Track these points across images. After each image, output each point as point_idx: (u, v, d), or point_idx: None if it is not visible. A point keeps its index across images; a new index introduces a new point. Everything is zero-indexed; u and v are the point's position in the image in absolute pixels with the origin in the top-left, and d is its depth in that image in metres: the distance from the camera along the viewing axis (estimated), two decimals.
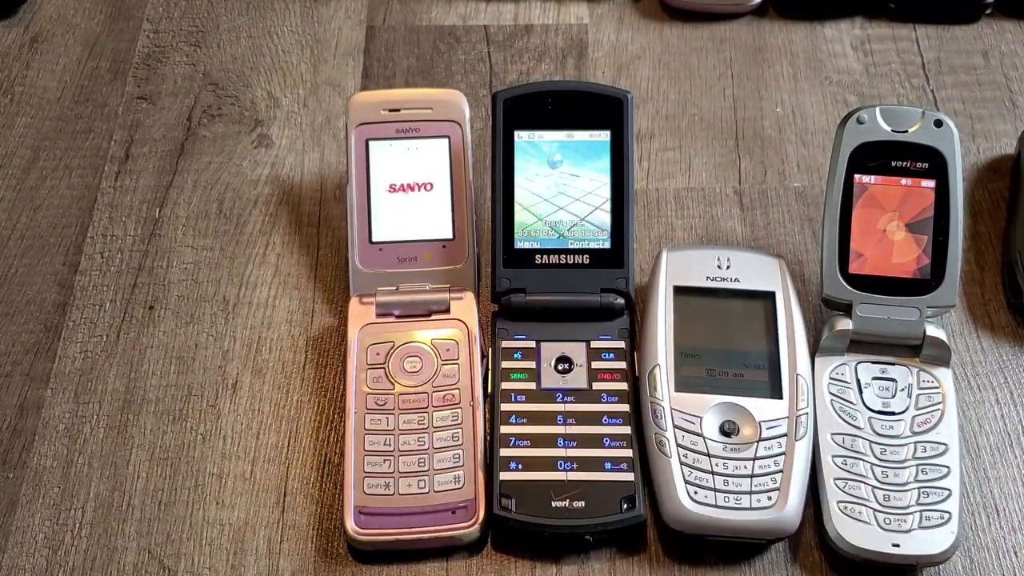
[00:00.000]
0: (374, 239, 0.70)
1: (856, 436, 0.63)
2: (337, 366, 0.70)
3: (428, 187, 0.71)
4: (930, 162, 0.66)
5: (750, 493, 0.61)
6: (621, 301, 0.68)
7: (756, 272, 0.68)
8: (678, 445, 0.62)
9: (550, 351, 0.67)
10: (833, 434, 0.63)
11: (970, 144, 0.80)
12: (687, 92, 0.83)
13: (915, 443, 0.63)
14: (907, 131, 0.67)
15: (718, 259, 0.68)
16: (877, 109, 0.67)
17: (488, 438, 0.65)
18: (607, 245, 0.69)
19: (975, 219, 0.76)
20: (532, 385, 0.66)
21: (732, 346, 0.65)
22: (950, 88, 0.83)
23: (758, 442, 0.62)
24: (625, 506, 0.61)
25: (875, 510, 0.61)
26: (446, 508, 0.62)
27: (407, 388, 0.66)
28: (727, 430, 0.62)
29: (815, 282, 0.73)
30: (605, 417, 0.64)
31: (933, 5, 0.86)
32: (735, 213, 0.77)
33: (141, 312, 0.72)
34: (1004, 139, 0.80)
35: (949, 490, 0.61)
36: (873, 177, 0.67)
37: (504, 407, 0.65)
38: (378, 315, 0.69)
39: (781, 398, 0.63)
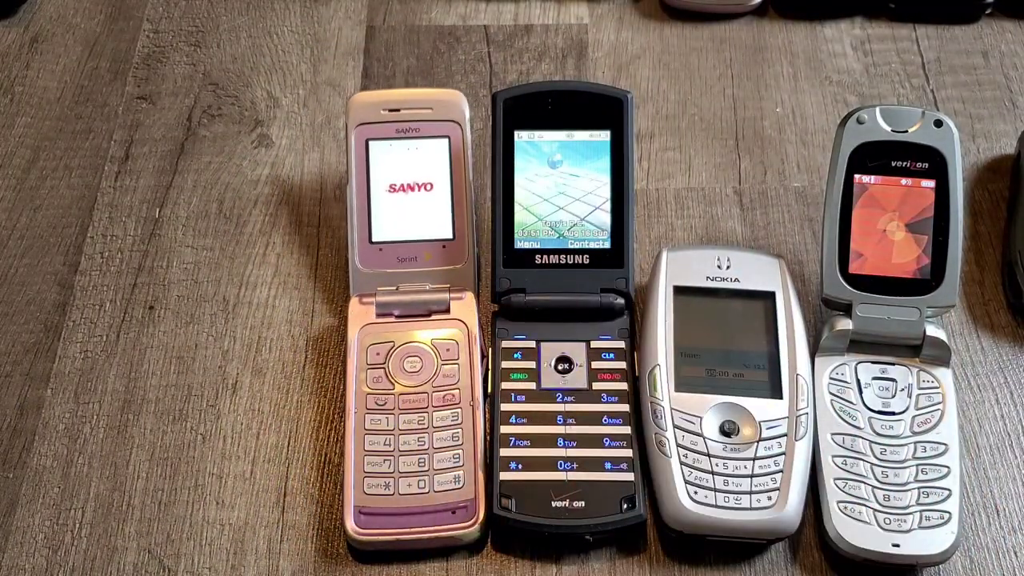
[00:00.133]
0: (374, 239, 0.70)
1: (856, 436, 0.63)
2: (337, 366, 0.70)
3: (428, 187, 0.71)
4: (930, 162, 0.66)
5: (750, 493, 0.61)
6: (621, 301, 0.68)
7: (756, 272, 0.68)
8: (678, 445, 0.62)
9: (550, 351, 0.67)
10: (833, 434, 0.63)
11: (970, 144, 0.80)
12: (687, 92, 0.83)
13: (915, 443, 0.63)
14: (907, 131, 0.67)
15: (718, 259, 0.68)
16: (877, 109, 0.67)
17: (488, 438, 0.65)
18: (607, 245, 0.69)
19: (975, 219, 0.76)
20: (532, 385, 0.66)
21: (732, 346, 0.65)
22: (950, 88, 0.83)
23: (758, 442, 0.62)
24: (625, 506, 0.61)
25: (875, 510, 0.61)
26: (446, 508, 0.62)
27: (407, 388, 0.66)
28: (727, 430, 0.62)
29: (815, 282, 0.73)
30: (605, 417, 0.64)
31: (933, 5, 0.86)
32: (735, 213, 0.77)
33: (141, 312, 0.72)
34: (1004, 139, 0.80)
35: (949, 490, 0.61)
36: (873, 177, 0.67)
37: (504, 407, 0.65)
38: (378, 315, 0.69)
39: (781, 398, 0.63)
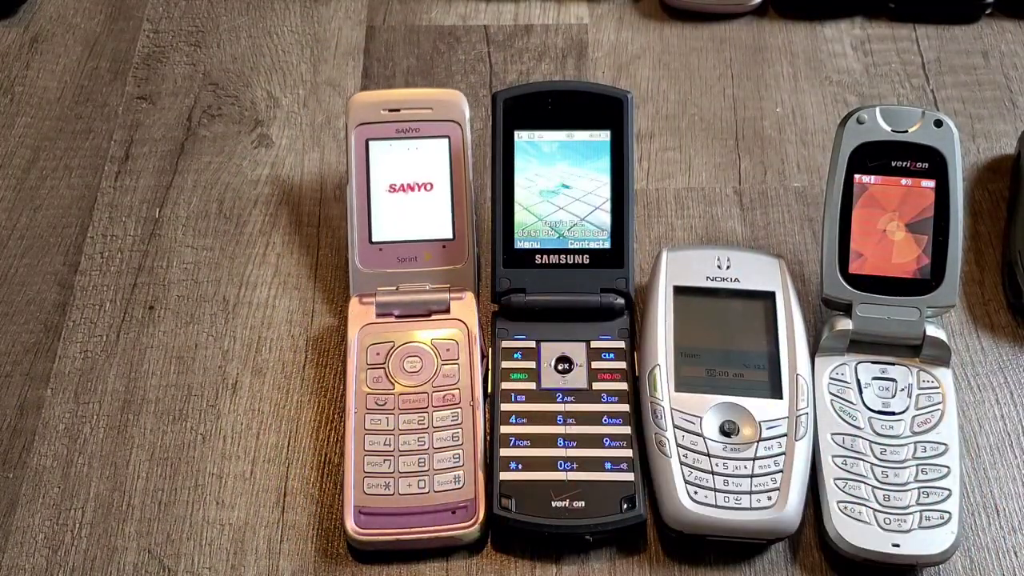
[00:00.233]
0: (374, 239, 0.70)
1: (856, 436, 0.63)
2: (337, 366, 0.70)
3: (428, 187, 0.71)
4: (930, 162, 0.66)
5: (750, 493, 0.61)
6: (621, 301, 0.68)
7: (756, 272, 0.68)
8: (678, 445, 0.62)
9: (550, 351, 0.67)
10: (833, 434, 0.63)
11: (970, 144, 0.80)
12: (687, 92, 0.83)
13: (915, 443, 0.63)
14: (907, 131, 0.67)
15: (718, 259, 0.68)
16: (877, 109, 0.67)
17: (488, 438, 0.65)
18: (607, 245, 0.69)
19: (975, 219, 0.76)
20: (532, 385, 0.66)
21: (732, 346, 0.65)
22: (950, 88, 0.83)
23: (758, 442, 0.62)
24: (625, 506, 0.61)
25: (875, 510, 0.61)
26: (446, 508, 0.62)
27: (407, 388, 0.66)
28: (727, 430, 0.62)
29: (815, 282, 0.73)
30: (605, 417, 0.64)
31: (933, 5, 0.86)
32: (735, 213, 0.77)
33: (141, 312, 0.72)
34: (1004, 139, 0.80)
35: (949, 490, 0.61)
36: (873, 177, 0.67)
37: (504, 407, 0.65)
38: (378, 315, 0.69)
39: (781, 398, 0.63)
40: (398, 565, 0.63)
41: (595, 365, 0.66)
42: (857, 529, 0.60)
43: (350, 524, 0.62)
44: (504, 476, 0.62)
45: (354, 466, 0.63)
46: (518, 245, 0.69)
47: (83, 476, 0.66)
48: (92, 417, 0.68)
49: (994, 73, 0.84)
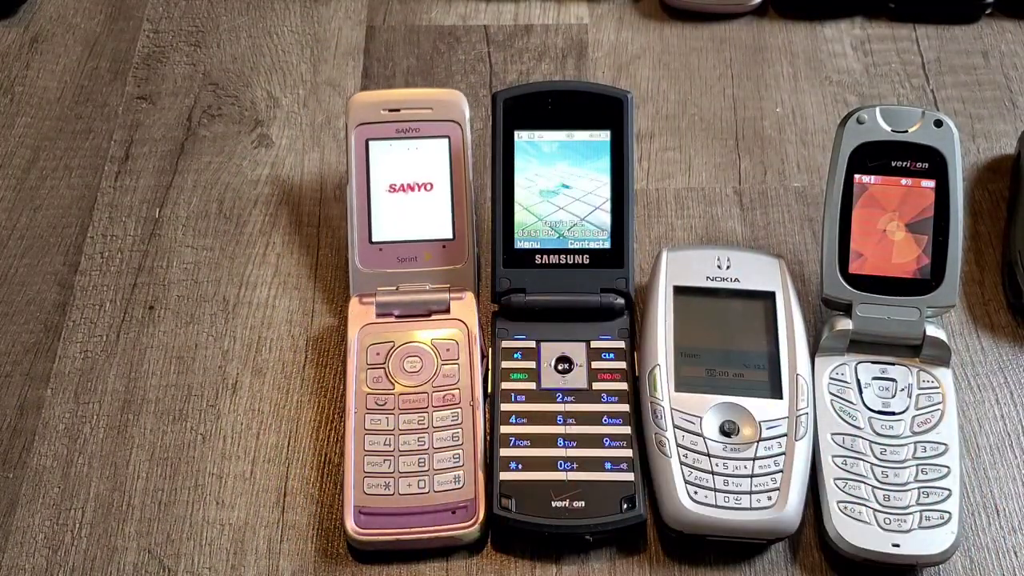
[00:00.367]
0: (374, 239, 0.70)
1: (856, 436, 0.63)
2: (337, 366, 0.70)
3: (428, 187, 0.71)
4: (930, 162, 0.66)
5: (750, 493, 0.61)
6: (621, 301, 0.68)
7: (756, 272, 0.68)
8: (678, 445, 0.62)
9: (550, 351, 0.67)
10: (833, 434, 0.63)
11: (970, 144, 0.80)
12: (687, 92, 0.83)
13: (915, 443, 0.63)
14: (907, 131, 0.67)
15: (718, 259, 0.68)
16: (877, 109, 0.67)
17: (488, 438, 0.65)
18: (607, 245, 0.69)
19: (975, 219, 0.76)
20: (532, 385, 0.66)
21: (732, 346, 0.65)
22: (950, 88, 0.83)
23: (758, 442, 0.62)
24: (625, 506, 0.61)
25: (875, 510, 0.61)
26: (446, 508, 0.62)
27: (407, 388, 0.66)
28: (727, 430, 0.62)
29: (815, 282, 0.73)
30: (605, 417, 0.64)
31: (933, 5, 0.86)
32: (735, 213, 0.77)
33: (141, 312, 0.72)
34: (1004, 139, 0.80)
35: (949, 490, 0.61)
36: (873, 177, 0.67)
37: (504, 407, 0.65)
38: (378, 315, 0.69)
39: (781, 398, 0.63)
40: (398, 565, 0.63)
41: (595, 365, 0.66)
42: (857, 529, 0.60)
43: (350, 524, 0.62)
44: (504, 476, 0.62)
45: (354, 466, 0.63)
46: (518, 245, 0.69)
47: (83, 476, 0.66)
48: (92, 417, 0.68)
49: (994, 73, 0.84)
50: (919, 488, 0.62)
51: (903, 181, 0.67)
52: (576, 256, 0.69)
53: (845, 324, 0.66)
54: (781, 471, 0.61)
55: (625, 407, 0.65)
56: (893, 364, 0.66)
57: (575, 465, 0.63)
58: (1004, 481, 0.65)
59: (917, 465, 0.62)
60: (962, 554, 0.63)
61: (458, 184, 0.71)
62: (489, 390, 0.67)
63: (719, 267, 0.68)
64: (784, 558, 0.63)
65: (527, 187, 0.69)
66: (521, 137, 0.69)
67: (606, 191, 0.69)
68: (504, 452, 0.63)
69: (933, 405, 0.64)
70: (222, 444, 0.67)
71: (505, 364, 0.67)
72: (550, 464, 0.63)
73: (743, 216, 0.77)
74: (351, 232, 0.70)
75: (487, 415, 0.66)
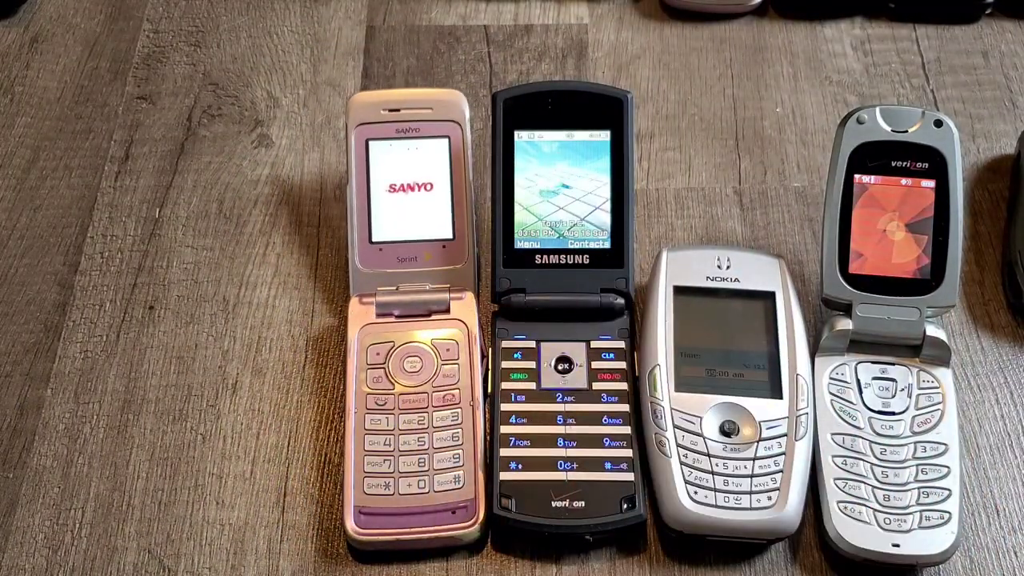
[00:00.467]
0: (374, 239, 0.70)
1: (856, 436, 0.63)
2: (337, 366, 0.70)
3: (428, 187, 0.71)
4: (930, 162, 0.66)
5: (750, 493, 0.61)
6: (621, 301, 0.68)
7: (756, 272, 0.68)
8: (678, 445, 0.62)
9: (550, 351, 0.67)
10: (833, 434, 0.63)
11: (970, 144, 0.80)
12: (687, 92, 0.83)
13: (915, 443, 0.63)
14: (907, 131, 0.67)
15: (718, 259, 0.68)
16: (877, 109, 0.67)
17: (488, 438, 0.65)
18: (607, 245, 0.69)
19: (975, 219, 0.76)
20: (532, 385, 0.66)
21: (732, 346, 0.65)
22: (950, 88, 0.83)
23: (758, 442, 0.62)
24: (625, 506, 0.61)
25: (875, 510, 0.61)
26: (446, 508, 0.62)
27: (407, 388, 0.66)
28: (727, 430, 0.62)
29: (815, 282, 0.73)
30: (605, 417, 0.64)
31: (933, 5, 0.86)
32: (735, 213, 0.77)
33: (141, 312, 0.72)
34: (1004, 139, 0.80)
35: (949, 490, 0.61)
36: (873, 177, 0.67)
37: (504, 407, 0.65)
38: (378, 315, 0.69)
39: (781, 398, 0.63)
40: (398, 565, 0.63)
41: (595, 365, 0.66)
42: (857, 529, 0.60)
43: (350, 524, 0.62)
44: (504, 476, 0.62)
45: (354, 466, 0.63)
46: (518, 245, 0.69)
47: (83, 476, 0.66)
48: (92, 417, 0.68)
49: (994, 73, 0.84)
50: (919, 488, 0.62)
51: (903, 181, 0.67)
52: (576, 256, 0.69)
53: (845, 324, 0.66)
54: (781, 471, 0.61)
55: (625, 407, 0.65)
56: (893, 364, 0.66)
57: (575, 465, 0.63)
58: (1004, 481, 0.65)
59: (917, 465, 0.62)
60: (962, 554, 0.63)
61: (458, 184, 0.71)
62: (489, 390, 0.67)
63: (719, 267, 0.68)
64: (784, 558, 0.63)
65: (527, 187, 0.69)
66: (521, 137, 0.69)
67: (606, 191, 0.69)
68: (504, 452, 0.63)
69: (933, 405, 0.64)
70: (222, 444, 0.67)
71: (505, 364, 0.67)
72: (550, 464, 0.63)
73: (743, 216, 0.77)
74: (351, 232, 0.70)
75: (487, 415, 0.66)
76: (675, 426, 0.62)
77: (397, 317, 0.69)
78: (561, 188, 0.69)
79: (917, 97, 0.83)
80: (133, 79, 0.84)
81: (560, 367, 0.66)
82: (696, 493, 0.61)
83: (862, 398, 0.65)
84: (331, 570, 0.63)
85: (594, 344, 0.67)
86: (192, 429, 0.68)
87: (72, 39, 0.87)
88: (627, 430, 0.64)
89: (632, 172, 0.69)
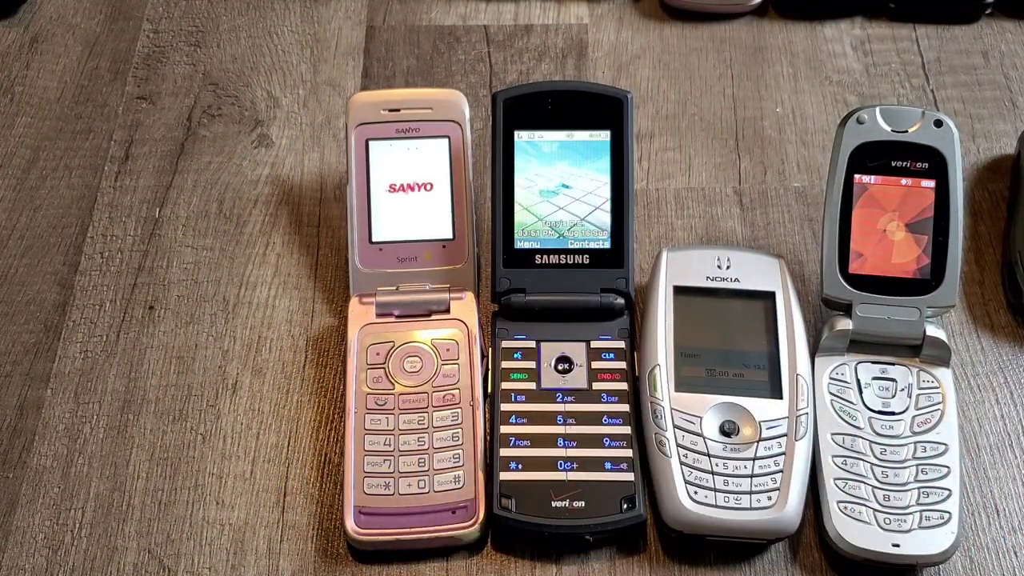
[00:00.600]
0: (374, 239, 0.70)
1: (856, 436, 0.63)
2: (337, 366, 0.70)
3: (428, 187, 0.71)
4: (930, 162, 0.66)
5: (750, 493, 0.61)
6: (621, 301, 0.68)
7: (756, 272, 0.68)
8: (678, 445, 0.62)
9: (550, 351, 0.67)
10: (833, 434, 0.63)
11: (970, 144, 0.80)
12: (687, 92, 0.83)
13: (915, 443, 0.63)
14: (907, 131, 0.67)
15: (718, 259, 0.68)
16: (877, 109, 0.67)
17: (488, 438, 0.65)
18: (607, 245, 0.69)
19: (975, 219, 0.76)
20: (532, 385, 0.66)
21: (732, 346, 0.65)
22: (950, 88, 0.83)
23: (758, 442, 0.62)
24: (625, 506, 0.61)
25: (875, 510, 0.61)
26: (446, 508, 0.62)
27: (407, 388, 0.66)
28: (727, 430, 0.62)
29: (815, 282, 0.73)
30: (605, 417, 0.64)
31: (933, 5, 0.86)
32: (735, 213, 0.77)
33: (141, 312, 0.72)
34: (1004, 139, 0.80)
35: (949, 490, 0.61)
36: (873, 177, 0.67)
37: (504, 407, 0.65)
38: (378, 315, 0.69)
39: (781, 398, 0.63)
40: (398, 565, 0.63)
41: (595, 365, 0.66)
42: (857, 529, 0.60)
43: (350, 524, 0.62)
44: (504, 476, 0.62)
45: (354, 466, 0.63)
46: (518, 245, 0.69)
47: (83, 476, 0.66)
48: (92, 417, 0.68)
49: (994, 73, 0.84)
50: (919, 488, 0.62)
51: (903, 181, 0.67)
52: (576, 256, 0.69)
53: (845, 324, 0.66)
54: (781, 471, 0.61)
55: (625, 407, 0.65)
56: (893, 364, 0.66)
57: (575, 465, 0.63)
58: (1004, 481, 0.65)
59: (917, 465, 0.62)
60: (962, 554, 0.63)
61: (458, 184, 0.71)
62: (489, 390, 0.67)
63: (719, 267, 0.68)
64: (784, 558, 0.63)
65: (527, 187, 0.69)
66: (521, 137, 0.69)
67: (606, 191, 0.69)
68: (504, 452, 0.63)
69: (933, 405, 0.64)
70: (222, 444, 0.67)
71: (505, 364, 0.67)
72: (550, 464, 0.63)
73: (743, 216, 0.77)
74: (351, 232, 0.70)
75: (487, 415, 0.66)
76: (675, 426, 0.62)
77: (397, 317, 0.69)
78: (561, 188, 0.69)
79: (917, 97, 0.83)
80: (133, 79, 0.84)
81: (560, 367, 0.66)
82: (696, 493, 0.61)
83: (862, 398, 0.65)
84: (331, 570, 0.63)
85: (594, 344, 0.67)
86: (192, 429, 0.68)
87: (72, 39, 0.87)
88: (627, 430, 0.64)
89: (632, 172, 0.69)
